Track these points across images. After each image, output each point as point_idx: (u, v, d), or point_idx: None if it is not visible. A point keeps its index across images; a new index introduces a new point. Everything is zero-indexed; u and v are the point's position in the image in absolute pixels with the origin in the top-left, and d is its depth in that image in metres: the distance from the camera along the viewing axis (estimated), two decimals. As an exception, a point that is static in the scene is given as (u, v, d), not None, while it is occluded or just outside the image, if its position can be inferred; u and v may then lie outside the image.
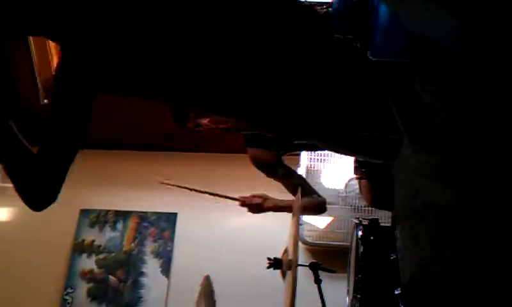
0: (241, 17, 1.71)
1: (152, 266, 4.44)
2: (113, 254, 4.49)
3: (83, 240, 4.52)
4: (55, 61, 4.40)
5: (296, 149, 3.43)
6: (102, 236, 4.53)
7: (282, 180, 3.20)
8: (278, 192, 3.31)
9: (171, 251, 4.48)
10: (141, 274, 4.42)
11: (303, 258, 3.94)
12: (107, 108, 3.81)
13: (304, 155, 4.25)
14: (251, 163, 3.18)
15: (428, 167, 1.04)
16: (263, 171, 3.18)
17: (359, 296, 2.87)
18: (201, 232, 4.49)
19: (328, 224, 4.29)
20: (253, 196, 3.22)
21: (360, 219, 3.17)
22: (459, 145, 0.98)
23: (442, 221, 0.99)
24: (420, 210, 1.02)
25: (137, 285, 4.39)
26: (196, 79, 1.72)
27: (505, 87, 0.96)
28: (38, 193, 1.86)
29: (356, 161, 2.95)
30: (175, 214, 4.59)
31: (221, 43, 1.69)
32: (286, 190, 3.23)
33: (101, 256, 4.48)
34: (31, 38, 3.95)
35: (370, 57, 1.25)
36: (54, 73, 1.77)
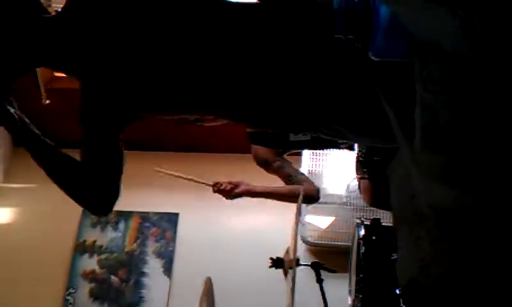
0: (244, 20, 1.72)
1: (153, 266, 4.45)
2: (115, 255, 4.49)
3: (85, 241, 4.53)
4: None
5: (298, 148, 3.43)
6: (104, 237, 4.54)
7: (278, 172, 3.20)
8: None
9: (172, 251, 4.48)
10: (143, 274, 4.42)
11: (305, 257, 3.95)
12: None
13: (306, 155, 4.25)
14: (253, 159, 3.19)
15: (430, 168, 1.04)
16: (262, 167, 3.18)
17: (360, 296, 2.88)
18: (203, 232, 4.49)
19: (330, 224, 4.29)
20: (227, 182, 3.21)
21: (362, 218, 3.17)
22: (463, 146, 0.98)
23: (443, 223, 0.98)
24: (419, 211, 1.01)
25: (139, 285, 4.39)
26: (206, 84, 1.73)
27: (507, 87, 0.95)
28: (95, 201, 1.88)
29: (357, 161, 2.94)
30: (177, 214, 4.59)
31: (226, 45, 1.70)
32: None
33: (103, 257, 4.48)
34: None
35: (371, 58, 1.25)
36: (80, 107, 1.79)
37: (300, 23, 1.69)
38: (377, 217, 3.23)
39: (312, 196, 3.25)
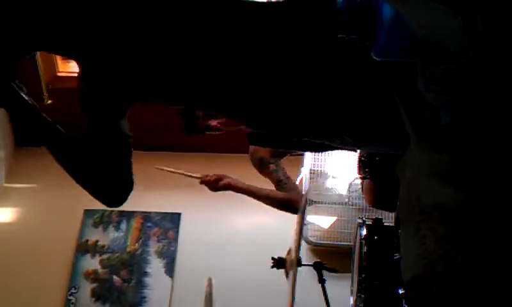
0: (248, 19, 1.71)
1: (155, 266, 4.45)
2: (117, 254, 4.49)
3: (87, 240, 4.53)
4: (58, 61, 4.41)
5: (298, 149, 3.42)
6: (106, 237, 4.54)
7: (270, 175, 3.20)
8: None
9: (174, 251, 4.49)
10: (145, 274, 4.42)
11: (307, 257, 3.95)
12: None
13: (308, 156, 4.25)
14: (249, 158, 3.19)
15: (434, 167, 1.03)
16: (256, 166, 3.18)
17: (363, 296, 2.88)
18: (205, 232, 4.49)
19: (332, 224, 4.29)
20: (214, 175, 3.23)
21: (364, 218, 3.17)
22: (466, 146, 0.98)
23: (449, 221, 0.98)
24: (426, 210, 1.01)
25: (141, 285, 4.39)
26: (204, 77, 1.72)
27: (509, 87, 0.95)
28: (108, 191, 1.87)
29: (360, 161, 2.94)
30: (179, 214, 4.59)
31: (227, 44, 1.69)
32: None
33: (105, 256, 4.48)
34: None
35: (374, 57, 1.25)
36: (80, 92, 1.78)
37: (303, 23, 1.69)
38: (380, 217, 3.23)
39: (293, 206, 3.21)
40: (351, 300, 3.13)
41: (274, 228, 4.18)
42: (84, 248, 4.51)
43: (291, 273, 2.88)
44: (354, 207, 4.21)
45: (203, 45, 1.69)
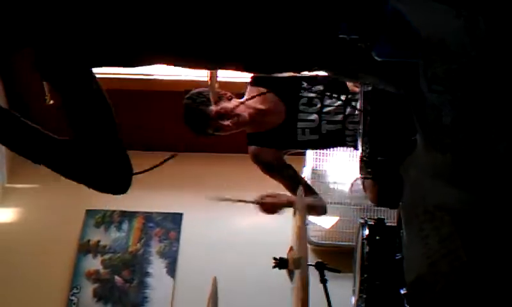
0: None
1: (157, 266, 4.45)
2: (119, 255, 4.49)
3: (89, 241, 4.53)
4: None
5: (299, 148, 3.42)
6: (108, 237, 4.54)
7: (282, 179, 3.18)
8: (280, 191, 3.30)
9: (176, 251, 4.49)
10: (147, 274, 4.43)
11: (309, 257, 3.94)
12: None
13: (310, 155, 4.24)
14: (252, 160, 3.17)
15: (437, 167, 1.03)
16: (262, 169, 3.16)
17: (364, 296, 2.87)
18: (207, 232, 4.49)
19: (334, 224, 4.29)
20: (267, 196, 3.17)
21: (366, 218, 3.16)
22: (467, 145, 0.98)
23: (453, 221, 0.98)
24: (429, 210, 1.01)
25: (142, 285, 4.39)
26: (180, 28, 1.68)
27: (511, 87, 0.95)
28: (105, 177, 1.79)
29: (361, 160, 2.94)
30: (181, 214, 4.59)
31: None
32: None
33: (107, 257, 4.48)
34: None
35: (376, 57, 1.25)
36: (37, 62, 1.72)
37: None
38: (382, 217, 3.23)
39: (325, 210, 3.33)
40: (353, 301, 3.13)
41: (276, 228, 4.18)
42: (85, 248, 4.51)
43: (295, 273, 2.87)
44: (356, 207, 4.21)
45: None
